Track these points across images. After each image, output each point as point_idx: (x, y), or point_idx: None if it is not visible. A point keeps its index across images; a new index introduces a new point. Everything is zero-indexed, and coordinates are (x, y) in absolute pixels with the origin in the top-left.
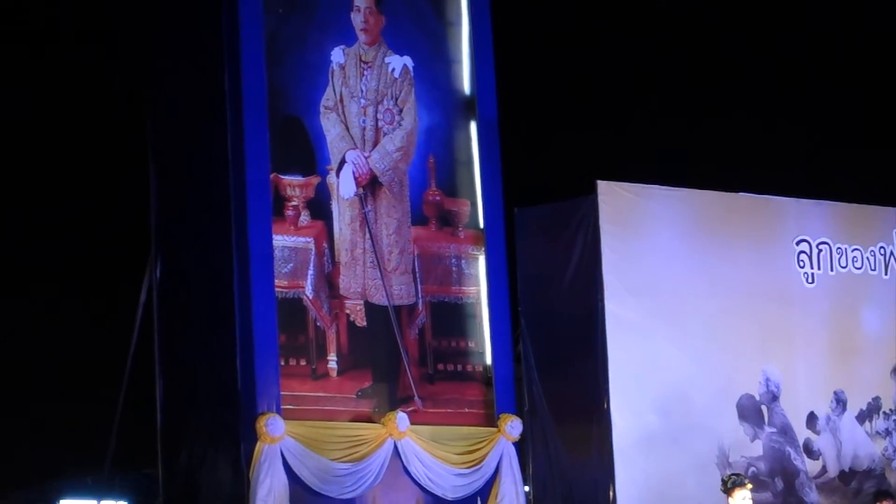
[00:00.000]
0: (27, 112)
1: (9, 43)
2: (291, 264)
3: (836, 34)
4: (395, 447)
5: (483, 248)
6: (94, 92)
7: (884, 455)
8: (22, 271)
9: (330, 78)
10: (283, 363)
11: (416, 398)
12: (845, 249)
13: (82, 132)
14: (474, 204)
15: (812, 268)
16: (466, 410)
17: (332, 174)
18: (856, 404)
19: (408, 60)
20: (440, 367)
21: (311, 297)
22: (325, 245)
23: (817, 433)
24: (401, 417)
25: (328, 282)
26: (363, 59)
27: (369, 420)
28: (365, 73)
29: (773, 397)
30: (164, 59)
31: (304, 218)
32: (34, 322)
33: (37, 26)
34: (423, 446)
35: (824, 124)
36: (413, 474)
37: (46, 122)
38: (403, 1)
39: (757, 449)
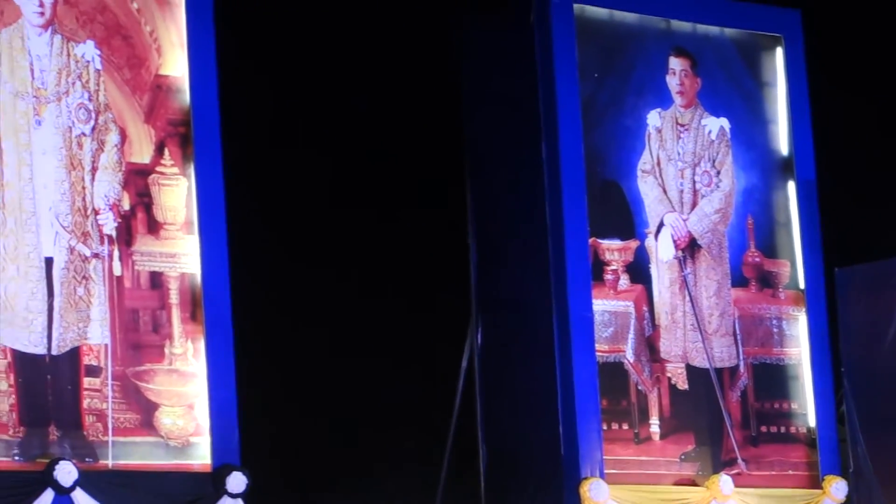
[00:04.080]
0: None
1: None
2: (612, 328)
3: None
4: None
5: (804, 309)
6: (416, 163)
7: None
8: (346, 340)
9: (647, 141)
10: (605, 427)
11: (739, 461)
12: None
13: (405, 202)
14: (794, 264)
15: None
16: (790, 472)
17: (651, 237)
18: None
19: (724, 122)
20: (763, 429)
21: (632, 360)
22: (645, 309)
23: None
24: (724, 480)
25: (649, 345)
26: (679, 121)
27: (693, 483)
28: (682, 135)
29: None
30: (482, 127)
31: (624, 282)
32: (360, 389)
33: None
34: None
35: None
36: None
37: (374, 196)
38: (719, 63)
39: None
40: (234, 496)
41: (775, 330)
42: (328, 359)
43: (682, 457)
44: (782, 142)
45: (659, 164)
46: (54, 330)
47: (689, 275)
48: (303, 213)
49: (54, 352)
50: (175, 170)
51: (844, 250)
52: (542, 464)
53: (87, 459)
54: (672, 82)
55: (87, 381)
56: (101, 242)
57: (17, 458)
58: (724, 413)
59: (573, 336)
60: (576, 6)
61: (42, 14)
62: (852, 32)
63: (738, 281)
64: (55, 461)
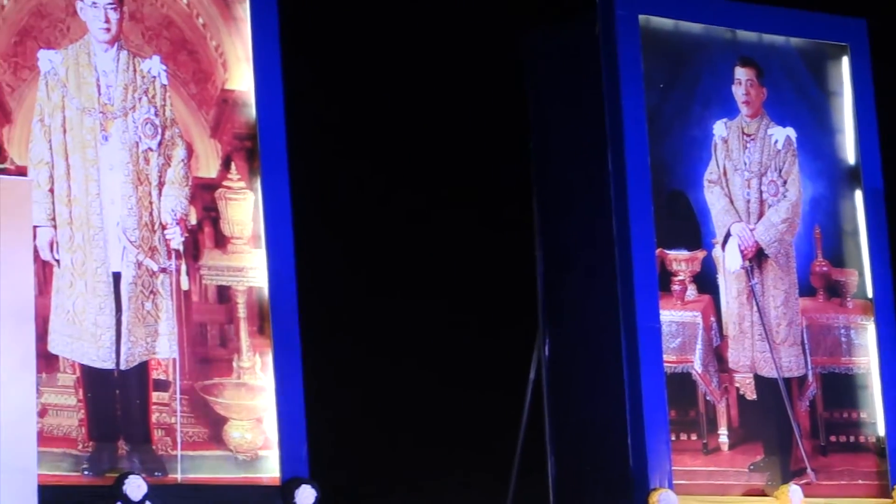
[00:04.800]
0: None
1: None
2: (679, 339)
3: None
4: None
5: (872, 318)
6: (483, 176)
7: None
8: (412, 352)
9: (713, 151)
10: (673, 438)
11: (808, 471)
12: None
13: (472, 216)
14: (862, 273)
15: None
16: (860, 482)
17: (718, 247)
18: None
19: (790, 131)
20: (832, 438)
21: (700, 371)
22: (712, 319)
23: None
24: (794, 490)
25: (717, 356)
26: (745, 131)
27: (762, 494)
28: (748, 145)
29: None
30: (548, 138)
31: (691, 292)
32: (426, 401)
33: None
34: None
35: None
36: None
37: (440, 209)
38: (785, 73)
39: None
40: None
41: (843, 339)
42: (395, 371)
43: (751, 467)
44: (849, 151)
45: (725, 174)
46: (122, 345)
47: (756, 285)
48: (368, 226)
49: (123, 366)
50: (242, 184)
51: None
52: (610, 475)
53: (156, 474)
54: (738, 92)
55: (155, 396)
56: (169, 257)
57: (86, 472)
58: (793, 423)
59: (641, 347)
60: (641, 17)
61: (108, 30)
62: None
63: (806, 290)
64: (124, 475)
